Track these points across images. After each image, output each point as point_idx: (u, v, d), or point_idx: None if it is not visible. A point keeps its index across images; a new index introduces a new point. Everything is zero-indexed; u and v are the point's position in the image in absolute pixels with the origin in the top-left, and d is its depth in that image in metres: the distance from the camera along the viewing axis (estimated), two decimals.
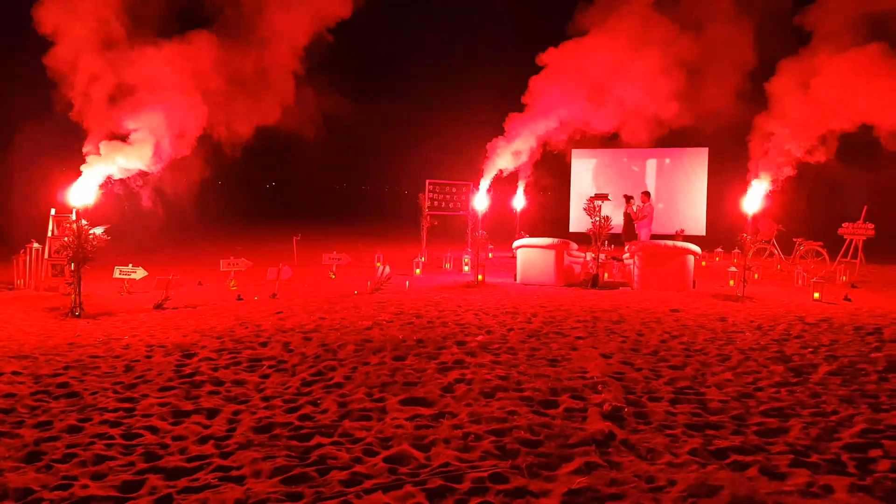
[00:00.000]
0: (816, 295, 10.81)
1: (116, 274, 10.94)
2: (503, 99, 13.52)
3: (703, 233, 19.29)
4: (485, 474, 3.78)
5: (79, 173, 9.56)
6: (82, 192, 9.34)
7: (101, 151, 9.59)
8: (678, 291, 11.49)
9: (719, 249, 17.24)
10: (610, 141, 17.78)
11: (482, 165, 12.77)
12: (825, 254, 14.60)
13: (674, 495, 3.52)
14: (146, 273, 11.00)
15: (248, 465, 3.98)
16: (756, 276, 13.69)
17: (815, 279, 11.13)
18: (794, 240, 14.97)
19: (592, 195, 12.23)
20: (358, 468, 3.92)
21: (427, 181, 16.65)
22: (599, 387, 5.54)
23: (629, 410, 4.96)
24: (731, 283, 12.22)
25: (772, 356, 6.89)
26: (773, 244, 15.69)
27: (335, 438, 4.42)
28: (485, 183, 12.60)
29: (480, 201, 12.46)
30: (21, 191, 11.92)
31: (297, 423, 4.74)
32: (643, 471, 3.85)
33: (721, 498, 3.48)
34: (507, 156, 12.94)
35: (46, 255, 10.98)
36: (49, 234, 10.89)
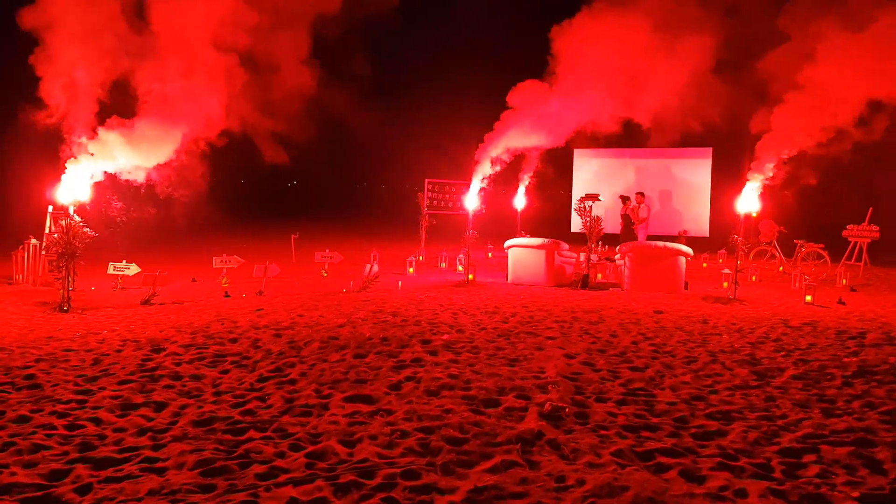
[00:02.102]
0: (808, 298, 10.66)
1: (110, 270, 11.16)
2: (504, 98, 13.37)
3: (707, 234, 19.10)
4: (398, 470, 3.82)
5: (77, 169, 9.75)
6: (72, 188, 9.55)
7: (93, 146, 9.77)
8: (668, 293, 11.41)
9: (723, 251, 17.05)
10: (614, 140, 17.64)
11: (473, 165, 12.77)
12: (826, 256, 14.38)
13: (576, 495, 3.53)
14: (139, 269, 11.20)
15: (174, 458, 4.06)
16: (754, 277, 13.54)
17: (808, 282, 10.98)
18: (795, 242, 14.77)
19: (583, 195, 12.18)
20: (279, 462, 3.99)
21: (426, 180, 16.73)
22: (550, 387, 5.54)
23: (571, 410, 4.96)
24: (725, 285, 12.10)
25: (740, 359, 6.83)
26: (775, 246, 15.49)
27: (268, 433, 4.49)
28: (476, 182, 12.60)
29: (471, 201, 12.47)
30: (23, 186, 12.21)
31: (237, 417, 4.82)
32: (558, 470, 3.86)
33: (623, 499, 3.48)
34: (499, 154, 12.84)
35: (44, 251, 11.22)
36: (46, 230, 11.13)
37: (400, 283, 11.58)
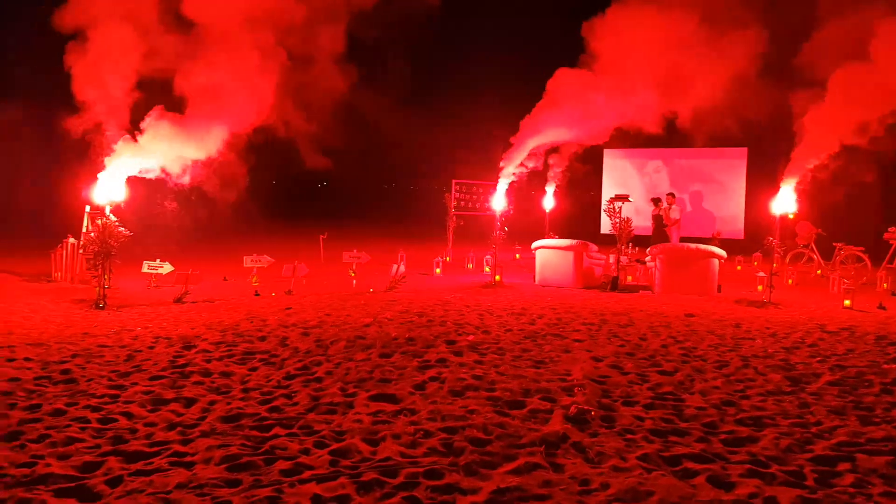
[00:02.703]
0: (847, 302, 10.42)
1: (145, 268, 11.36)
2: (534, 98, 13.23)
3: (742, 236, 18.79)
4: (420, 470, 3.82)
5: (114, 166, 9.93)
6: (108, 188, 9.75)
7: (126, 147, 9.94)
8: (701, 296, 11.23)
9: (758, 254, 16.74)
10: (645, 139, 17.40)
11: (502, 159, 12.68)
12: (867, 259, 14.02)
13: (600, 499, 3.49)
14: (172, 268, 11.38)
15: (202, 452, 4.12)
16: (790, 281, 13.27)
17: (846, 285, 10.72)
18: (834, 244, 14.43)
19: (612, 196, 12.06)
20: (303, 459, 4.02)
21: (453, 181, 16.73)
22: (576, 389, 5.49)
23: (597, 413, 4.91)
24: (760, 288, 11.88)
25: (774, 364, 6.70)
26: (812, 248, 15.15)
27: (293, 430, 4.52)
28: (503, 183, 12.53)
29: (498, 201, 12.43)
30: (63, 186, 12.54)
31: (264, 414, 4.87)
32: (582, 473, 3.82)
33: (648, 503, 3.43)
34: (526, 153, 12.70)
35: (81, 250, 11.46)
36: (84, 229, 11.35)
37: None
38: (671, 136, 16.12)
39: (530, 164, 13.28)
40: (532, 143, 12.93)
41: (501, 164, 12.64)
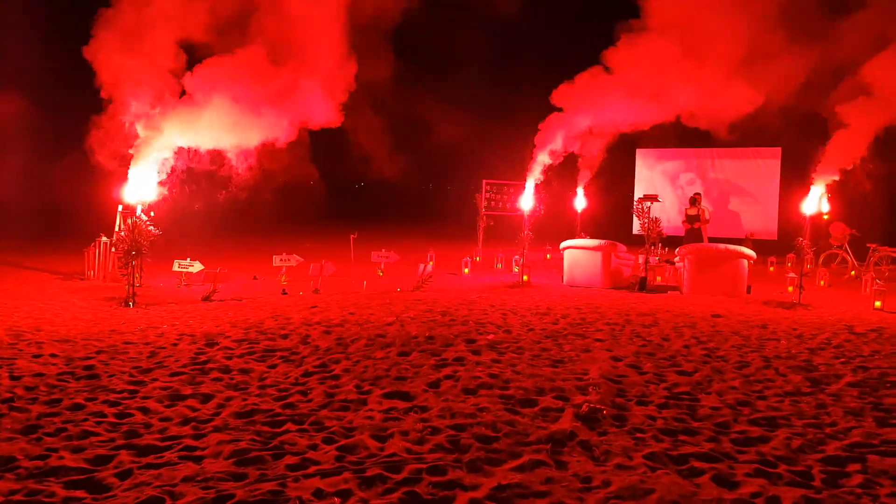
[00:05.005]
0: (878, 304, 10.17)
1: (175, 267, 11.59)
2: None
3: (775, 237, 18.43)
4: (424, 466, 3.85)
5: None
6: (140, 187, 9.99)
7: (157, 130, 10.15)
8: (729, 297, 11.05)
9: (791, 254, 16.41)
10: (677, 139, 17.20)
11: (529, 163, 12.61)
12: None
13: (600, 496, 3.48)
14: (203, 267, 11.59)
15: (212, 447, 4.20)
16: (822, 282, 12.99)
17: (878, 286, 10.45)
18: (868, 245, 14.08)
19: (641, 196, 11.94)
20: (311, 454, 4.08)
21: (484, 181, 16.74)
22: (590, 388, 5.47)
23: (608, 412, 4.88)
24: (790, 289, 11.65)
25: (796, 365, 6.58)
26: (846, 249, 14.80)
27: (304, 426, 4.59)
28: (531, 182, 12.48)
29: (527, 201, 12.39)
30: (98, 184, 12.85)
31: (278, 410, 4.95)
32: (585, 471, 3.81)
33: (647, 501, 3.41)
34: (554, 149, 12.52)
35: (113, 249, 11.75)
36: (116, 228, 11.63)
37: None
38: (705, 136, 15.86)
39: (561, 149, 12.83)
40: (582, 124, 12.51)
41: (534, 145, 12.37)
